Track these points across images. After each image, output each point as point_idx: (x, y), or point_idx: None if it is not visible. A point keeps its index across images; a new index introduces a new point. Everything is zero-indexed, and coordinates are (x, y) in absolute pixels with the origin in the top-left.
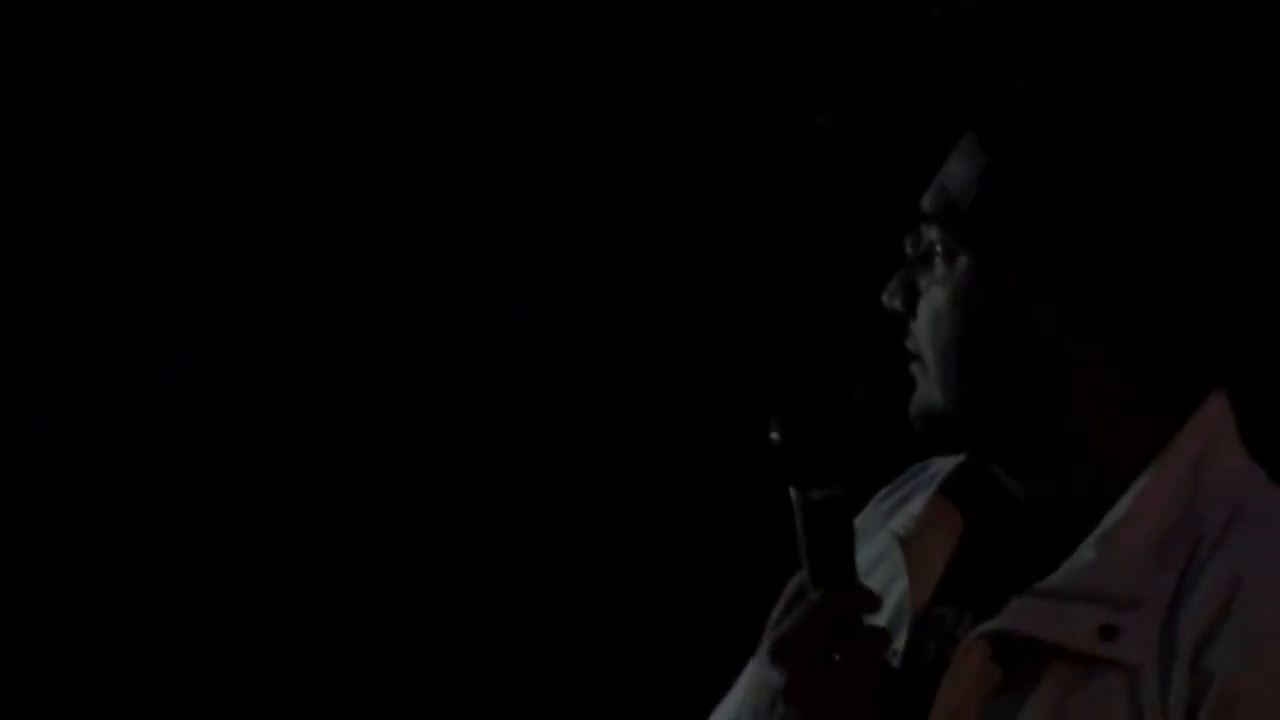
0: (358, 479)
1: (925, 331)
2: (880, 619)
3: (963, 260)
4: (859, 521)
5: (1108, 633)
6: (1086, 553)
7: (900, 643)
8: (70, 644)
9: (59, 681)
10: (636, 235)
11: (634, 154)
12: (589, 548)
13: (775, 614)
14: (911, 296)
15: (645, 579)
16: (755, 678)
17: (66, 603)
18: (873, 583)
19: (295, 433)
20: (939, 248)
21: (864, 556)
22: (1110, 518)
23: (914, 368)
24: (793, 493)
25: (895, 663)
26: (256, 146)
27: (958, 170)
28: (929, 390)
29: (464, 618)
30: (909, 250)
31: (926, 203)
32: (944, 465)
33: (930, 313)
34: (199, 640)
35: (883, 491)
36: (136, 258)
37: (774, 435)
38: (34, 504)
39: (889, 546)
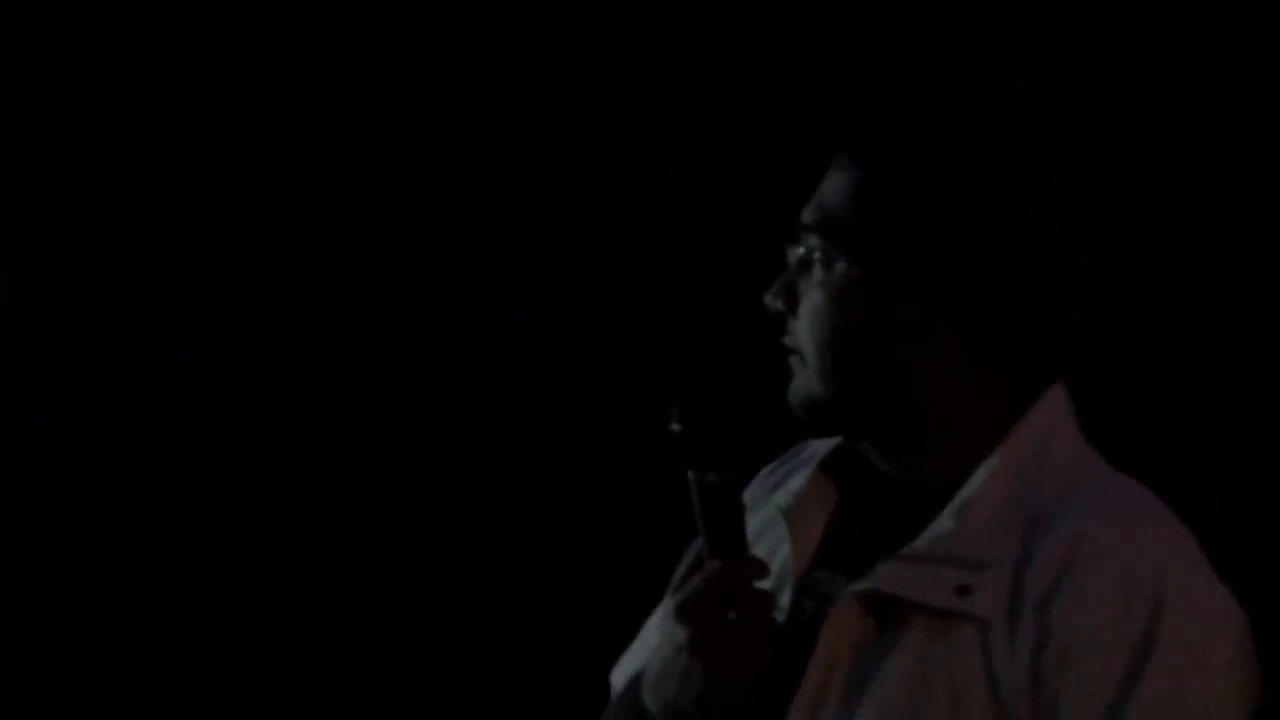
0: (358, 479)
1: (805, 330)
2: (766, 582)
3: (839, 266)
4: (746, 494)
5: (963, 590)
6: (944, 522)
7: (784, 601)
8: (70, 644)
9: (59, 681)
10: (636, 235)
11: (634, 154)
12: (589, 548)
13: (676, 578)
14: (792, 299)
15: (645, 579)
16: (662, 633)
17: (66, 603)
18: (759, 550)
19: (295, 433)
20: (818, 255)
21: (751, 526)
22: (964, 492)
23: (793, 360)
24: (690, 475)
25: (780, 619)
26: (256, 146)
27: (834, 186)
28: (807, 380)
29: (464, 618)
30: (790, 258)
31: (807, 215)
32: (820, 446)
33: (810, 313)
34: (199, 640)
35: (767, 468)
36: (136, 258)
37: (674, 426)
38: (34, 504)
39: (773, 518)
